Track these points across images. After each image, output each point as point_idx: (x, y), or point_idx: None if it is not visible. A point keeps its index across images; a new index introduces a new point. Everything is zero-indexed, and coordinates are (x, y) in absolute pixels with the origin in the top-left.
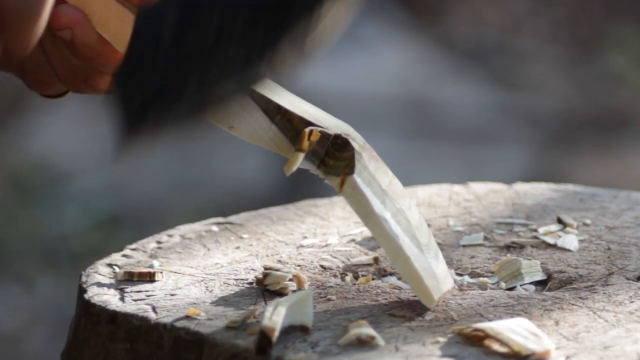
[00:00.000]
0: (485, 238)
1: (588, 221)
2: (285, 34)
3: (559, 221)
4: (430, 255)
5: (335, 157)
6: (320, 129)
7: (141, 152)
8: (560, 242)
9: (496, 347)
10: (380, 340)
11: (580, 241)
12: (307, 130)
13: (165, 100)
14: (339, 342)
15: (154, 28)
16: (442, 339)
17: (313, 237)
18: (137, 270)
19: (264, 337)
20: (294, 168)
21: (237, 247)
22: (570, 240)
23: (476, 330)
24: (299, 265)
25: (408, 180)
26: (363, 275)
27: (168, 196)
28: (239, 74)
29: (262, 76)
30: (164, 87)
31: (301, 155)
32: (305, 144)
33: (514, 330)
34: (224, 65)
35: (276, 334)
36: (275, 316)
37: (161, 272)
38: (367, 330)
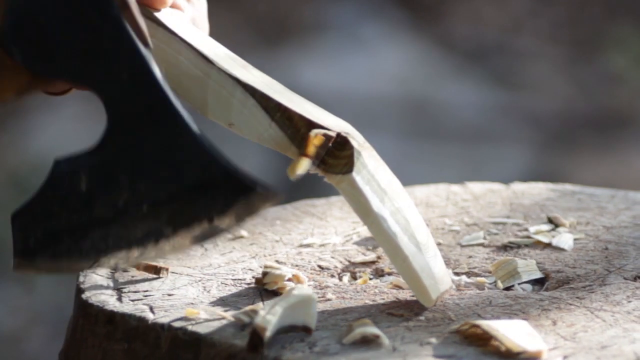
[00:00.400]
0: (484, 237)
1: (573, 219)
2: (183, 231)
3: (550, 221)
4: (428, 255)
5: (334, 155)
6: (323, 131)
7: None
8: (555, 242)
9: (492, 344)
10: (384, 339)
11: (576, 240)
12: (312, 134)
13: (56, 249)
14: (343, 340)
15: (68, 179)
16: (439, 339)
17: (311, 237)
18: (143, 263)
19: (255, 335)
20: (299, 174)
21: (234, 248)
22: (565, 240)
23: (473, 326)
24: (296, 265)
25: (408, 180)
26: (361, 277)
27: None
28: (129, 250)
29: (147, 258)
30: (60, 237)
31: (308, 161)
32: (312, 149)
33: (510, 329)
34: (121, 237)
35: (268, 333)
36: (269, 315)
37: (167, 269)
38: (371, 329)
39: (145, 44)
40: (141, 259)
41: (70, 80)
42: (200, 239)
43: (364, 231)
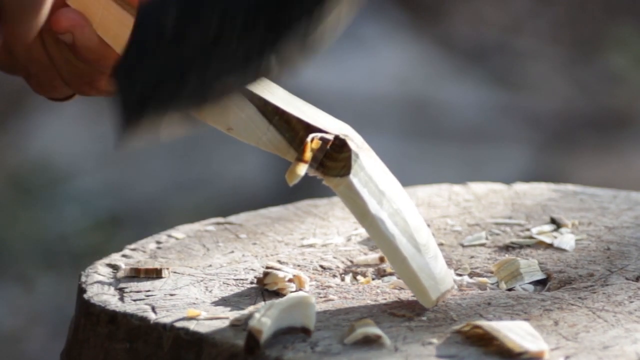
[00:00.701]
0: (486, 238)
1: (575, 220)
2: (285, 35)
3: (552, 221)
4: (428, 255)
5: (333, 158)
6: (320, 135)
7: (141, 144)
8: (556, 242)
9: (494, 344)
10: (386, 340)
11: (578, 240)
12: (309, 139)
13: (164, 93)
14: (345, 340)
15: (155, 21)
16: (441, 339)
17: (313, 237)
18: (143, 267)
19: (250, 337)
20: (297, 180)
21: (236, 248)
22: (566, 240)
23: (475, 327)
24: (298, 266)
25: (408, 180)
26: (365, 277)
27: (168, 196)
28: (237, 72)
29: (260, 75)
30: (164, 80)
31: (305, 166)
32: (309, 155)
33: (512, 329)
34: (224, 62)
35: (264, 335)
36: (264, 317)
37: (167, 269)
38: (373, 329)
39: None
40: (248, 82)
41: None
42: (303, 49)
43: (365, 232)
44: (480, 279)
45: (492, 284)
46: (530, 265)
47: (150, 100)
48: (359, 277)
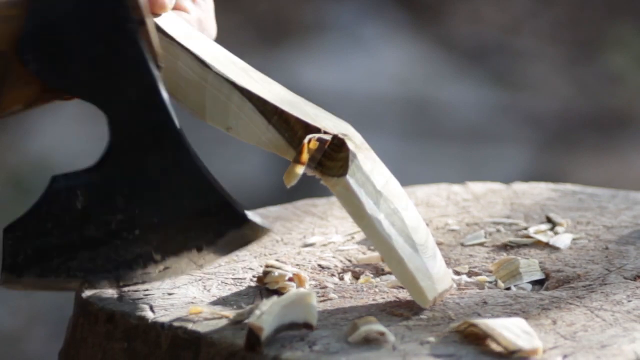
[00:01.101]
0: (485, 237)
1: (570, 219)
2: (172, 258)
3: (548, 220)
4: (426, 255)
5: (331, 157)
6: (318, 135)
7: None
8: (552, 241)
9: (490, 343)
10: (390, 336)
11: (575, 240)
12: (306, 140)
13: (44, 267)
14: (348, 339)
15: (64, 197)
16: (439, 338)
17: (312, 237)
18: None
19: (251, 334)
20: (295, 181)
21: None
22: (562, 239)
23: (471, 325)
24: (297, 265)
25: (408, 180)
26: (365, 275)
27: None
28: (115, 273)
29: (134, 282)
30: (49, 255)
31: (302, 168)
32: (305, 156)
33: (507, 327)
34: (109, 259)
35: (265, 332)
36: (265, 315)
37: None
38: (376, 326)
39: (157, 65)
40: (127, 283)
41: (80, 95)
42: (188, 268)
43: None
44: (479, 277)
45: (491, 282)
46: (530, 265)
47: (31, 269)
48: (358, 276)
